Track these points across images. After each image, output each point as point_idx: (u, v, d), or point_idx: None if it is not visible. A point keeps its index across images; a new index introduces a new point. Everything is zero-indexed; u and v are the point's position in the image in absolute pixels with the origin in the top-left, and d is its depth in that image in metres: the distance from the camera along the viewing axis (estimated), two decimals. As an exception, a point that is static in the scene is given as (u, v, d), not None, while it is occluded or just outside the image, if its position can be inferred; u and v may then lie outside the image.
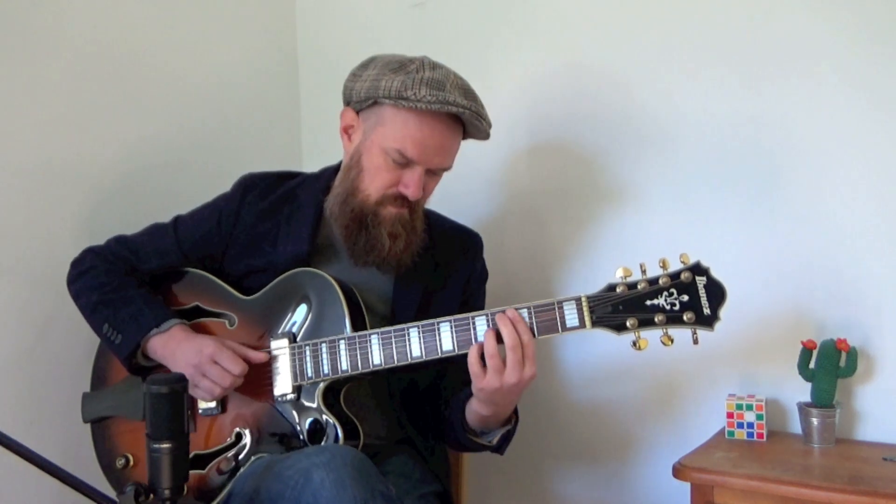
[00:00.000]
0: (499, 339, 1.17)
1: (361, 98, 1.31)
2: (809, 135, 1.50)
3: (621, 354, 1.70)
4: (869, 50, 1.45)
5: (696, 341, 1.16)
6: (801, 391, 1.45)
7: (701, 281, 1.16)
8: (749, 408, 1.46)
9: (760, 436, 1.45)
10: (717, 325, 1.15)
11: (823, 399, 1.41)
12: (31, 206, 1.55)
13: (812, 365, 1.42)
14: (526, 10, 1.82)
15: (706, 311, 1.15)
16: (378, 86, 1.27)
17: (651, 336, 1.16)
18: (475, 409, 1.26)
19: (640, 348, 1.16)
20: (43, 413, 1.55)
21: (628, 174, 1.70)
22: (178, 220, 1.46)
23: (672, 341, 1.15)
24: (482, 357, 1.16)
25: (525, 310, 1.18)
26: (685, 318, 1.15)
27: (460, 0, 1.91)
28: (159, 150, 1.79)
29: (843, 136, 1.47)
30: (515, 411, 1.32)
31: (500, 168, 1.88)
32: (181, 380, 0.94)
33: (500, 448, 1.34)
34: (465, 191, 1.89)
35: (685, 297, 1.15)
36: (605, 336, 1.67)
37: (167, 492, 0.91)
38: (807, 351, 1.43)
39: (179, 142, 1.84)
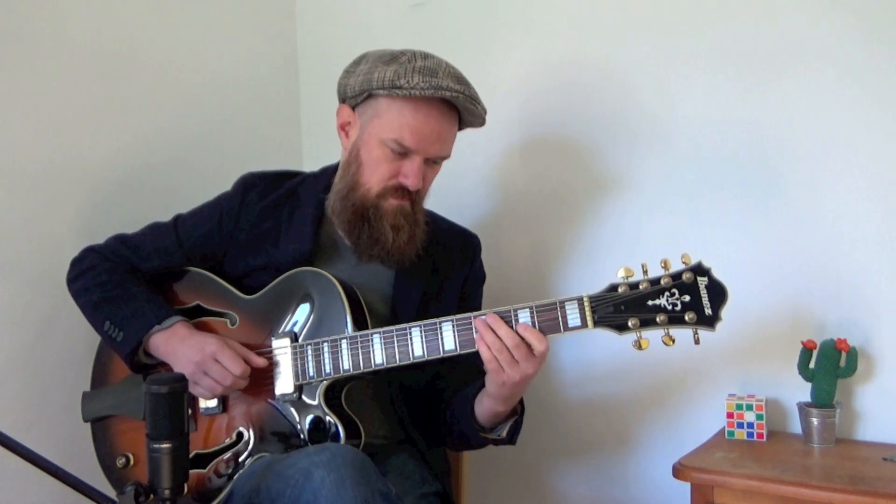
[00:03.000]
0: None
1: (356, 93, 1.32)
2: (808, 134, 1.50)
3: (622, 354, 1.70)
4: (869, 50, 1.45)
5: (697, 341, 1.16)
6: (801, 391, 1.45)
7: (702, 281, 1.16)
8: (749, 408, 1.46)
9: (760, 436, 1.45)
10: (719, 326, 1.15)
11: (823, 399, 1.41)
12: (30, 205, 1.55)
13: (812, 365, 1.42)
14: (525, 7, 1.82)
15: (707, 311, 1.15)
16: (371, 78, 1.28)
17: (652, 336, 1.16)
18: (488, 407, 1.26)
19: (641, 348, 1.16)
20: (43, 413, 1.55)
21: (626, 172, 1.70)
22: (178, 220, 1.46)
23: (673, 341, 1.15)
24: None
25: (527, 309, 1.18)
26: (687, 318, 1.15)
27: (460, 0, 1.91)
28: (159, 150, 1.79)
29: (843, 135, 1.47)
30: (520, 400, 1.32)
31: (498, 167, 1.88)
32: (181, 379, 0.94)
33: (512, 439, 1.33)
34: (462, 190, 1.89)
35: (687, 298, 1.15)
36: (605, 336, 1.68)
37: (167, 492, 0.91)
38: (807, 351, 1.43)
39: (179, 141, 1.84)
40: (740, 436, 1.47)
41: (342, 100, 1.37)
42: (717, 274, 1.17)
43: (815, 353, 1.43)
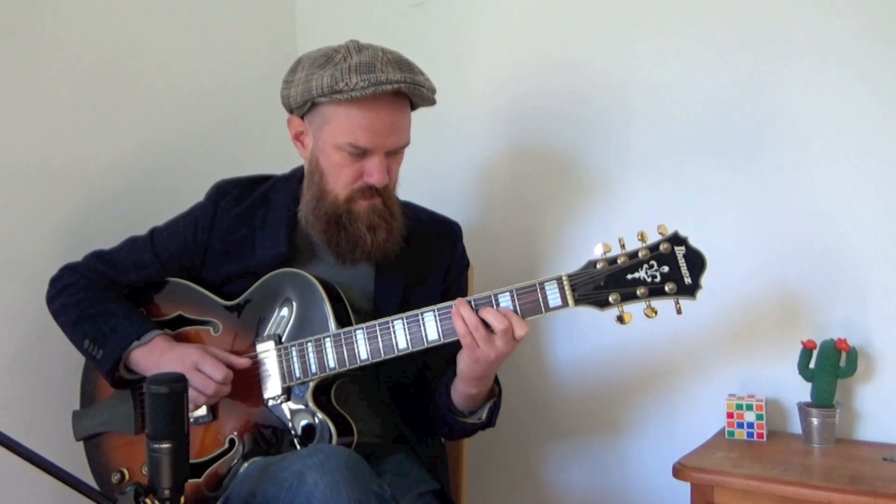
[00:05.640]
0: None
1: (299, 103, 1.30)
2: (807, 131, 1.50)
3: (622, 354, 1.70)
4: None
5: (679, 311, 1.16)
6: (801, 391, 1.45)
7: (680, 251, 1.16)
8: (749, 408, 1.46)
9: (760, 436, 1.45)
10: (699, 294, 1.15)
11: (823, 399, 1.41)
12: (29, 207, 1.55)
13: (812, 365, 1.42)
14: (526, 7, 1.82)
15: (687, 280, 1.15)
16: (310, 87, 1.27)
17: (635, 309, 1.16)
18: (462, 390, 1.27)
19: (624, 322, 1.16)
20: (42, 413, 1.55)
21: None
22: (154, 233, 1.45)
23: (656, 313, 1.16)
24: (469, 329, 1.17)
25: (507, 293, 1.18)
26: (667, 288, 1.15)
27: (460, 0, 1.91)
28: (159, 152, 1.79)
29: (844, 130, 1.47)
30: (497, 381, 1.33)
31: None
32: (181, 379, 0.94)
33: (490, 421, 1.34)
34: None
35: (665, 268, 1.15)
36: (604, 333, 1.69)
37: (167, 492, 0.91)
38: (807, 351, 1.43)
39: (179, 143, 1.83)
40: (740, 436, 1.47)
41: (290, 111, 1.36)
42: (694, 242, 1.16)
43: (815, 353, 1.43)
